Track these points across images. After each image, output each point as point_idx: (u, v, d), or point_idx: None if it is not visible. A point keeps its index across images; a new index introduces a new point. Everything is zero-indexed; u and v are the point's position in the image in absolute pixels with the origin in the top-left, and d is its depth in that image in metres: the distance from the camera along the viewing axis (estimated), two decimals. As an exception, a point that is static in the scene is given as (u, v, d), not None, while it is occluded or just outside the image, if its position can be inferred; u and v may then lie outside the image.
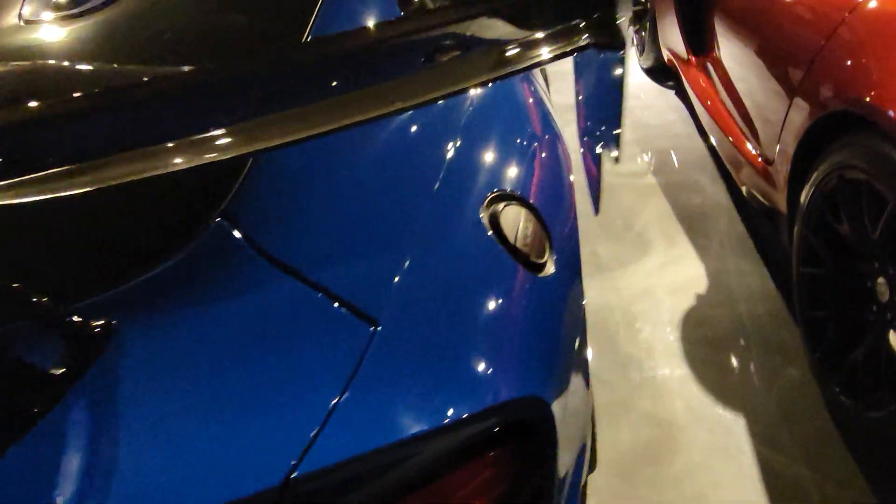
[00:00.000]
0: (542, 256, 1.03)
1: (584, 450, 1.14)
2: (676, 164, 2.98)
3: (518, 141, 1.28)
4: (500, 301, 0.93)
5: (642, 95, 3.71)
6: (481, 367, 0.84)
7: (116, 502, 0.66)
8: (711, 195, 2.69)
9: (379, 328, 0.81)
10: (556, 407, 0.91)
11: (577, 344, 1.11)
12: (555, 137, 1.42)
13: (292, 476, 0.64)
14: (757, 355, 1.94)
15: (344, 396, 0.73)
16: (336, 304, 0.82)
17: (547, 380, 0.91)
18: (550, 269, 1.04)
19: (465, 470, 0.80)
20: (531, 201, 1.10)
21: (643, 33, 3.78)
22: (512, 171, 1.15)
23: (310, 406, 0.71)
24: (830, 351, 1.71)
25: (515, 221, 1.03)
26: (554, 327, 0.99)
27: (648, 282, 2.28)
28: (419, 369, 0.81)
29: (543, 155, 1.29)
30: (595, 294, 2.26)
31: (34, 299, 0.78)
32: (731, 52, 2.38)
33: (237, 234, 0.88)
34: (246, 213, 0.91)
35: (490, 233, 0.98)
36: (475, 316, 0.89)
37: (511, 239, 0.99)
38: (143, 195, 0.90)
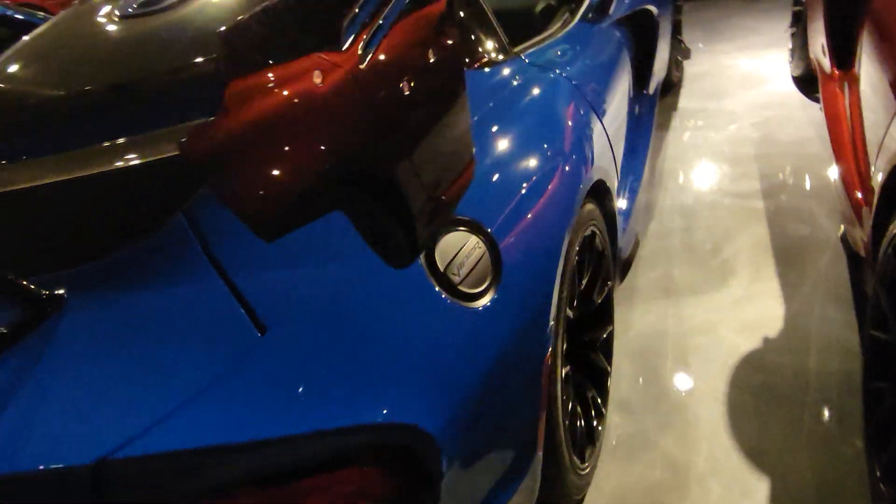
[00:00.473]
0: (478, 286, 1.03)
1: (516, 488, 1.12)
2: (794, 189, 2.69)
3: (505, 167, 1.25)
4: (405, 325, 0.94)
5: (784, 106, 3.37)
6: (360, 385, 0.87)
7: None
8: (821, 229, 2.41)
9: (266, 335, 0.87)
10: (453, 441, 0.92)
11: (515, 381, 1.09)
12: (565, 169, 1.37)
13: (108, 458, 0.72)
14: (810, 418, 1.75)
15: (204, 391, 0.81)
16: (237, 306, 0.89)
17: (439, 411, 0.91)
18: (485, 300, 1.03)
19: (319, 479, 0.84)
20: (488, 229, 1.09)
21: (796, 38, 3.40)
22: (479, 196, 1.14)
23: (163, 395, 0.79)
24: (882, 428, 1.50)
25: (455, 247, 1.03)
26: (469, 360, 0.99)
27: (716, 315, 2.12)
28: (295, 378, 0.85)
29: (536, 185, 1.26)
30: (653, 319, 2.14)
31: None
32: (867, 69, 2.09)
33: (190, 231, 0.97)
34: (205, 214, 0.99)
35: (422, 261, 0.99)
36: (371, 336, 0.92)
37: (441, 264, 1.00)
38: (115, 189, 1.02)
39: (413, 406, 0.89)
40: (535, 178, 1.27)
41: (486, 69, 1.52)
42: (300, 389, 0.84)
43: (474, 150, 1.12)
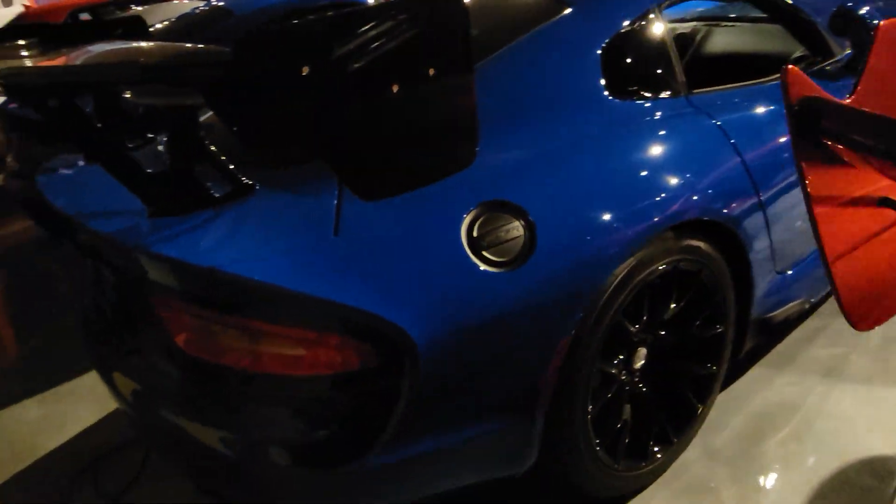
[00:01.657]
0: (502, 257, 1.31)
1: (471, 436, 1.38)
2: None
3: (587, 178, 1.47)
4: (427, 259, 1.28)
5: None
6: (376, 286, 1.25)
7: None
8: None
9: (339, 235, 1.29)
10: (434, 353, 1.25)
11: (518, 344, 1.35)
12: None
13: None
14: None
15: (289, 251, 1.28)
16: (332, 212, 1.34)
17: (425, 323, 1.25)
18: (504, 269, 1.31)
19: (304, 332, 1.25)
20: (531, 219, 1.36)
21: None
22: (541, 191, 1.40)
23: (267, 242, 1.30)
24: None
25: (498, 222, 1.33)
26: (468, 303, 1.29)
27: (867, 411, 1.93)
28: (340, 266, 1.26)
29: (604, 197, 1.46)
30: (794, 391, 2.04)
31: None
32: None
33: None
34: None
35: (463, 227, 1.32)
36: (400, 257, 1.28)
37: (478, 230, 1.31)
38: None
39: (404, 312, 1.23)
40: (607, 192, 1.46)
41: (640, 101, 1.70)
42: (337, 272, 1.25)
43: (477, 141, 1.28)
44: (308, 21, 1.15)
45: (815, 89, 0.94)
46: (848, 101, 1.01)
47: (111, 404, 2.52)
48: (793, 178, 1.87)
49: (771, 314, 1.99)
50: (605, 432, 1.64)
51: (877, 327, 2.24)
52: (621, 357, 1.67)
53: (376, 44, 0.98)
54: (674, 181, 1.56)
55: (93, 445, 2.34)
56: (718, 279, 1.73)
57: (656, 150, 1.60)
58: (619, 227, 1.45)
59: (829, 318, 2.35)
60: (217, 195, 1.43)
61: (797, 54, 2.35)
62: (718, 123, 1.73)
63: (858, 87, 1.03)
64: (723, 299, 1.77)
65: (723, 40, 2.73)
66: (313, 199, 1.38)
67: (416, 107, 1.09)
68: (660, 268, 1.56)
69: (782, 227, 1.86)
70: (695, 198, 1.58)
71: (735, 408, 2.02)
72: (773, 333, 2.08)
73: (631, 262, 1.49)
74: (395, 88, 1.01)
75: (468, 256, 1.30)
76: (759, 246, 1.80)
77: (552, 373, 1.41)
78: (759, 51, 2.56)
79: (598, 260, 1.42)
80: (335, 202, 1.35)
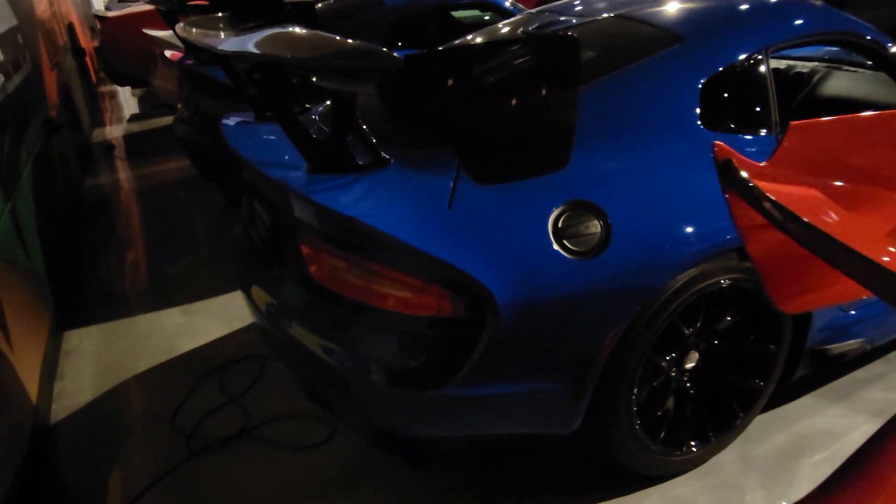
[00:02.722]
0: (579, 247, 1.59)
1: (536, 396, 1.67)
2: None
3: (668, 196, 1.71)
4: (517, 240, 1.58)
5: None
6: (475, 248, 1.56)
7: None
8: None
9: (451, 209, 1.62)
10: (509, 313, 1.55)
11: (577, 322, 1.63)
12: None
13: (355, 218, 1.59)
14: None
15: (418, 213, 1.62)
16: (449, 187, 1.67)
17: (508, 288, 1.55)
18: (578, 258, 1.59)
19: (413, 280, 1.58)
20: (609, 221, 1.62)
21: None
22: (624, 199, 1.67)
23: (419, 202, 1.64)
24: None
25: (581, 218, 1.61)
26: (544, 281, 1.57)
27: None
28: (447, 229, 1.59)
29: (677, 214, 1.70)
30: (841, 424, 2.17)
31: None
32: None
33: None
34: None
35: (551, 218, 1.60)
36: (497, 230, 1.59)
37: (562, 222, 1.60)
38: None
39: (491, 274, 1.54)
40: (681, 208, 1.69)
41: (732, 135, 1.91)
42: (445, 236, 1.58)
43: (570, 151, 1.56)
44: (458, 47, 1.46)
45: (732, 153, 1.15)
46: (763, 164, 1.26)
47: (237, 323, 3.01)
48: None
49: (827, 347, 2.13)
50: (647, 415, 1.88)
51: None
52: (674, 354, 1.89)
53: (505, 68, 1.30)
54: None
55: (219, 353, 2.82)
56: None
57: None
58: (686, 240, 1.68)
59: (891, 367, 2.44)
60: (361, 163, 1.79)
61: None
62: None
63: (772, 156, 1.30)
64: (779, 322, 1.95)
65: (822, 84, 2.82)
66: (434, 177, 1.71)
67: (528, 116, 1.39)
68: (720, 282, 1.78)
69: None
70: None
71: (780, 426, 2.18)
72: (827, 366, 2.22)
73: (693, 272, 1.72)
74: (514, 101, 1.32)
75: (551, 242, 1.58)
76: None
77: (604, 352, 1.67)
78: (860, 97, 2.64)
79: (662, 265, 1.66)
80: (451, 182, 1.67)
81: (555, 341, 1.64)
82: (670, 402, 1.92)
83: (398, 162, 1.79)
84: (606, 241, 1.61)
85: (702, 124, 1.87)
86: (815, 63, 3.00)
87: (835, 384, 2.37)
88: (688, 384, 1.97)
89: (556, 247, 1.58)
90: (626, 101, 1.85)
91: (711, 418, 2.00)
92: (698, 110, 1.88)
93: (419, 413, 1.69)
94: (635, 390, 1.79)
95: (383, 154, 1.80)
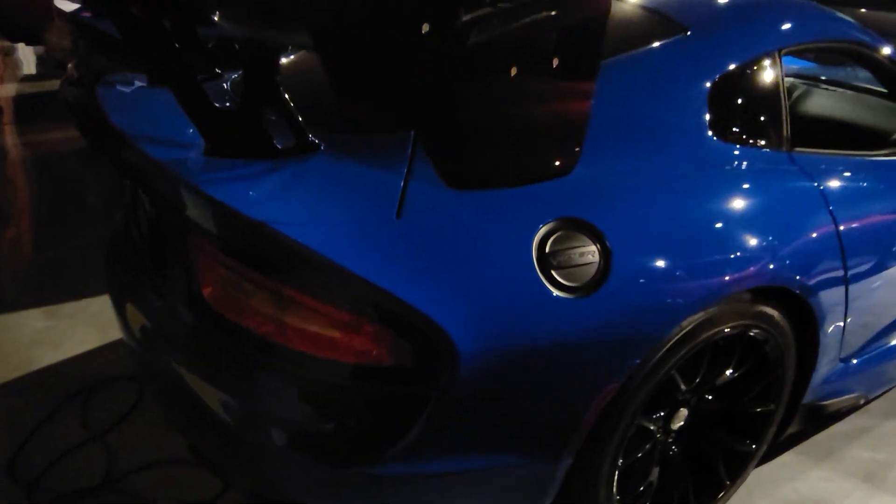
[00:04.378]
0: (571, 281, 1.19)
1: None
2: None
3: (675, 221, 1.34)
4: (492, 266, 1.17)
5: None
6: (431, 274, 1.13)
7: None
8: None
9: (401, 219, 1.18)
10: (471, 366, 1.13)
11: (563, 377, 1.23)
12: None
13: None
14: None
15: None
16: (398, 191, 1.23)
17: (473, 334, 1.13)
18: (569, 295, 1.19)
19: (340, 313, 1.13)
20: (609, 246, 1.23)
21: None
22: (625, 223, 1.28)
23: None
24: None
25: (574, 242, 1.21)
26: (527, 326, 1.17)
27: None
28: (395, 253, 1.15)
29: (684, 245, 1.33)
30: (827, 489, 1.88)
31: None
32: None
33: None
34: None
35: (536, 239, 1.19)
36: (465, 258, 1.17)
37: (550, 247, 1.19)
38: None
39: (453, 316, 1.12)
40: (693, 237, 1.33)
41: (742, 147, 1.57)
42: (391, 257, 1.14)
43: (580, 148, 1.24)
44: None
45: None
46: None
47: (114, 334, 2.45)
48: (881, 262, 1.73)
49: (824, 402, 1.84)
50: (628, 490, 1.51)
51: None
52: (661, 413, 1.54)
53: (506, 19, 0.86)
54: (763, 240, 1.42)
55: (87, 371, 2.26)
56: (783, 354, 1.59)
57: (750, 203, 1.46)
58: (697, 277, 1.31)
59: (878, 419, 2.19)
60: (280, 146, 1.32)
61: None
62: (820, 188, 1.59)
63: None
64: (781, 376, 1.63)
65: (824, 103, 2.57)
66: (381, 173, 1.27)
67: (529, 101, 0.97)
68: (726, 330, 1.42)
69: (859, 312, 1.72)
70: (781, 262, 1.44)
71: (762, 492, 1.87)
72: (820, 422, 1.94)
73: (700, 316, 1.35)
74: (514, 71, 0.90)
75: (535, 272, 1.17)
76: (831, 327, 1.66)
77: (592, 415, 1.28)
78: (861, 121, 2.40)
79: (668, 308, 1.29)
80: (403, 181, 1.24)
81: (531, 403, 1.23)
82: (655, 473, 1.56)
83: (331, 149, 1.33)
84: (605, 274, 1.22)
85: (712, 133, 1.52)
86: (796, 79, 2.75)
87: (816, 439, 2.09)
88: (673, 448, 1.62)
89: (541, 278, 1.18)
90: (627, 99, 1.46)
91: (695, 488, 1.66)
92: (708, 116, 1.52)
93: (335, 495, 1.24)
94: (620, 461, 1.42)
95: (311, 137, 1.34)
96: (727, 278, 1.35)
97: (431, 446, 1.18)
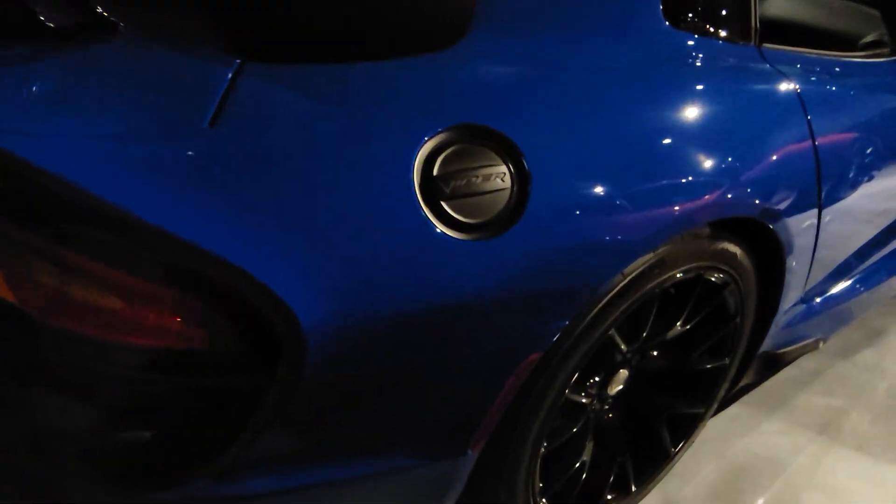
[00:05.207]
0: (470, 217, 0.83)
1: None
2: None
3: (612, 133, 0.98)
4: (353, 202, 0.79)
5: None
6: (260, 217, 0.76)
7: None
8: None
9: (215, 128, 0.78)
10: (326, 347, 0.77)
11: (462, 350, 0.88)
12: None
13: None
14: None
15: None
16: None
17: (326, 303, 0.76)
18: (467, 236, 0.83)
19: (136, 281, 0.75)
20: (527, 168, 0.87)
21: None
22: (521, 105, 0.91)
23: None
24: None
25: (474, 161, 0.84)
26: (402, 284, 0.81)
27: (861, 487, 1.57)
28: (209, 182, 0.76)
29: (629, 165, 0.98)
30: (784, 444, 1.66)
31: None
32: None
33: None
34: None
35: (419, 158, 0.82)
36: (315, 190, 0.78)
37: (439, 169, 0.82)
38: None
39: (297, 284, 0.75)
40: (643, 153, 0.98)
41: (703, 37, 1.21)
42: (200, 192, 0.75)
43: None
44: None
45: None
46: None
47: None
48: (856, 179, 1.44)
49: (782, 350, 1.58)
50: (555, 475, 1.22)
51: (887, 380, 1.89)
52: (597, 379, 1.23)
53: None
54: (728, 158, 1.09)
55: None
56: (744, 299, 1.30)
57: (715, 108, 1.12)
58: (644, 208, 0.97)
59: (829, 361, 1.98)
60: (52, 25, 0.89)
61: (869, 39, 1.89)
62: (798, 91, 1.26)
63: None
64: (740, 325, 1.34)
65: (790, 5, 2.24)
66: (198, 66, 0.86)
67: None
68: (678, 275, 1.11)
69: (829, 242, 1.43)
70: (749, 186, 1.12)
71: (709, 453, 1.63)
72: (775, 371, 1.70)
73: (650, 259, 1.03)
74: None
75: (419, 207, 0.80)
76: (799, 263, 1.37)
77: (505, 396, 0.95)
78: (831, 24, 2.08)
79: (607, 250, 0.95)
80: (230, 74, 0.83)
81: (418, 389, 0.89)
82: (588, 451, 1.27)
83: (134, 31, 0.90)
84: (520, 205, 0.86)
85: (665, 18, 1.15)
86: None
87: (766, 387, 1.86)
88: (609, 415, 1.33)
89: (427, 215, 0.81)
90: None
91: (635, 459, 1.38)
92: (660, -6, 1.15)
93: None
94: (544, 445, 1.11)
95: (102, 12, 0.90)
96: (683, 209, 1.01)
97: (273, 457, 0.82)
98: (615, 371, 1.24)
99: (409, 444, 0.94)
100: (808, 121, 1.25)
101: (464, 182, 0.83)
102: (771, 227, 1.21)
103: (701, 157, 1.05)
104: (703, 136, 1.07)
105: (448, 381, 0.90)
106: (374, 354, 0.82)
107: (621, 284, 1.01)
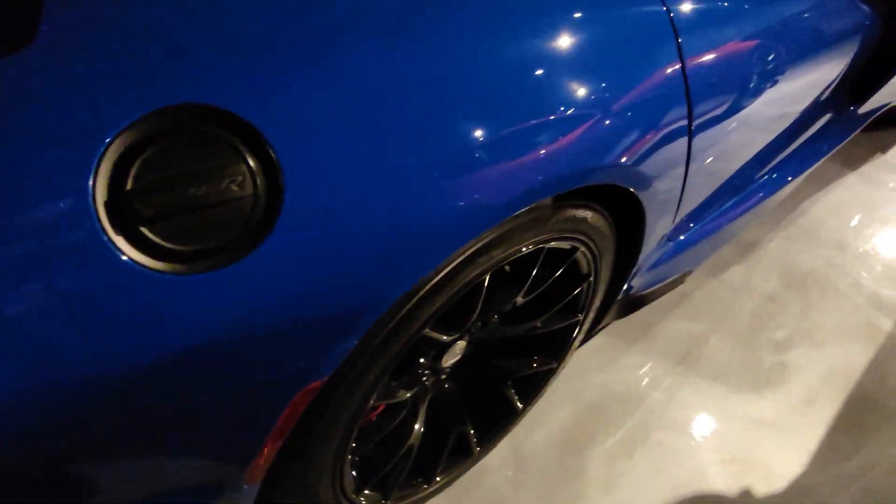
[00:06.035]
0: (190, 244, 0.59)
1: None
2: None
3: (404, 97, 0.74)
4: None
5: None
6: None
7: None
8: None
9: None
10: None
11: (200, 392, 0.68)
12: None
13: None
14: None
15: None
16: None
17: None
18: (187, 268, 0.60)
19: None
20: (276, 157, 0.62)
21: None
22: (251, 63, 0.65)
23: None
24: None
25: (162, 166, 0.59)
26: (98, 347, 0.58)
27: (716, 422, 1.55)
28: None
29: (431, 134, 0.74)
30: (639, 378, 1.61)
31: None
32: None
33: None
34: None
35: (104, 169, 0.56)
36: None
37: (133, 182, 0.57)
38: None
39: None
40: (441, 113, 0.75)
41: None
42: None
43: None
44: None
45: None
46: None
47: None
48: (731, 106, 1.25)
49: (645, 291, 1.48)
50: (376, 467, 1.08)
51: (749, 301, 1.85)
52: (422, 361, 1.07)
53: None
54: (579, 111, 0.87)
55: None
56: (598, 259, 1.14)
57: (555, 41, 0.88)
58: (454, 198, 0.75)
59: (701, 280, 1.92)
60: None
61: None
62: (671, 15, 1.03)
63: None
64: (594, 283, 1.20)
65: None
66: None
67: None
68: (510, 255, 0.92)
69: (698, 178, 1.27)
70: (608, 146, 0.91)
71: (566, 393, 1.55)
72: (633, 309, 1.60)
73: (471, 246, 0.83)
74: None
75: (104, 240, 0.56)
76: (664, 207, 1.21)
77: (282, 429, 0.77)
78: None
79: (408, 249, 0.74)
80: None
81: (167, 443, 0.69)
82: (416, 435, 1.13)
83: None
84: (269, 215, 0.63)
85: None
86: None
87: (632, 315, 1.79)
88: (446, 386, 1.19)
89: (118, 246, 0.57)
90: None
91: (478, 425, 1.27)
92: None
93: None
94: (352, 449, 0.96)
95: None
96: (512, 188, 0.80)
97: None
98: (449, 346, 1.09)
99: (179, 489, 0.76)
100: (680, 45, 1.02)
101: (175, 195, 0.58)
102: (632, 188, 1.03)
103: (529, 112, 0.81)
104: (538, 81, 0.83)
105: (201, 429, 0.71)
106: (54, 423, 0.60)
107: (432, 283, 0.81)
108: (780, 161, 1.81)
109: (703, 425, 1.54)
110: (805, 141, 1.94)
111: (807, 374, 1.70)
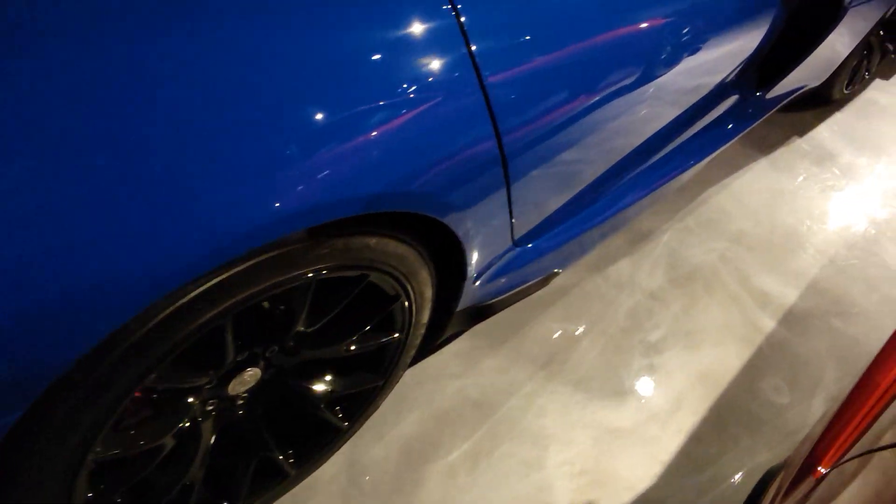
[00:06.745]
0: None
1: None
2: (853, 334, 1.88)
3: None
4: None
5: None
6: None
7: None
8: (810, 410, 1.67)
9: None
10: None
11: None
12: None
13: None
14: None
15: None
16: None
17: None
18: None
19: None
20: None
21: None
22: None
23: None
24: None
25: None
26: None
27: (564, 434, 1.50)
28: None
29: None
30: (498, 383, 1.54)
31: None
32: None
33: None
34: None
35: None
36: None
37: None
38: None
39: None
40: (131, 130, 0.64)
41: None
42: None
43: None
44: None
45: None
46: None
47: None
48: (583, 112, 1.15)
49: (493, 300, 1.39)
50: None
51: (630, 299, 1.78)
52: (189, 400, 0.98)
53: None
54: (323, 134, 0.76)
55: None
56: (407, 279, 1.05)
57: (299, 46, 0.76)
58: (162, 226, 0.65)
59: (583, 275, 1.84)
60: None
61: None
62: (454, 14, 0.90)
63: None
64: (411, 300, 1.11)
65: None
66: None
67: None
68: (254, 294, 0.82)
69: (533, 189, 1.17)
70: (370, 166, 0.81)
71: (417, 399, 1.48)
72: (488, 317, 1.52)
73: (188, 291, 0.73)
74: None
75: None
76: (481, 219, 1.10)
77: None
78: None
79: (79, 310, 0.64)
80: None
81: None
82: (197, 472, 1.04)
83: None
84: None
85: None
86: None
87: (503, 312, 1.71)
88: (240, 413, 1.10)
89: None
90: None
91: (288, 449, 1.19)
92: None
93: None
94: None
95: None
96: (235, 227, 0.70)
97: None
98: (232, 376, 0.99)
99: None
100: (473, 54, 0.90)
101: None
102: (432, 215, 0.93)
103: (270, 129, 0.70)
104: (275, 89, 0.72)
105: None
106: None
107: (131, 340, 0.71)
108: (674, 149, 1.72)
109: (556, 435, 1.48)
110: (705, 127, 1.85)
111: (675, 380, 1.64)
